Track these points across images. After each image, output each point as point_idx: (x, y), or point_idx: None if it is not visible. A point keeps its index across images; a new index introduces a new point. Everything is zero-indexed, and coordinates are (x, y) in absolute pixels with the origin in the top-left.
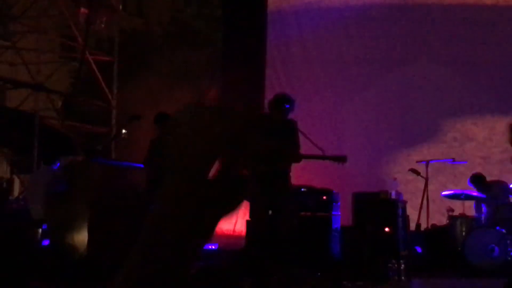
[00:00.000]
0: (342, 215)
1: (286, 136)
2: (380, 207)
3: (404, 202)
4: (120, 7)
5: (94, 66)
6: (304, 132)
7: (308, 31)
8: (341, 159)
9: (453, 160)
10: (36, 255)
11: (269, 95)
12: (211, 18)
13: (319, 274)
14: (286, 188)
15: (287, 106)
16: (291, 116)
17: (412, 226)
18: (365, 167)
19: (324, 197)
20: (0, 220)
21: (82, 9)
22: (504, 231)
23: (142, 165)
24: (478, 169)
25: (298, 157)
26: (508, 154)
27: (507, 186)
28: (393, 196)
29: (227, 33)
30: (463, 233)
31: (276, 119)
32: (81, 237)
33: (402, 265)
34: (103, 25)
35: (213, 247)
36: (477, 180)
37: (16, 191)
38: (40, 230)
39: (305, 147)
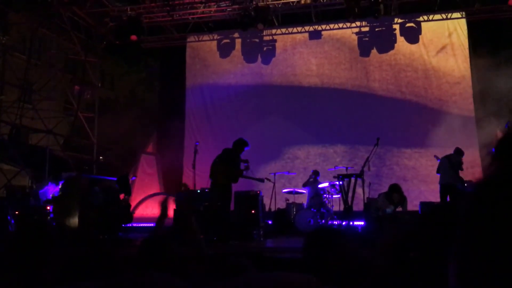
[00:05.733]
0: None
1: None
2: (249, 199)
3: (262, 196)
4: (99, 84)
5: (83, 120)
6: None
7: (208, 100)
8: (260, 180)
9: (288, 171)
10: (50, 231)
11: (187, 141)
12: (154, 92)
13: (215, 238)
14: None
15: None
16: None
17: (267, 209)
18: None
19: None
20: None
21: (76, 86)
22: (315, 210)
23: (111, 178)
24: (301, 176)
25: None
26: (315, 167)
27: (318, 186)
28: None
29: (162, 101)
30: (294, 212)
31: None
32: (74, 221)
33: (261, 231)
34: (88, 96)
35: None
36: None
37: None
38: (49, 217)
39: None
